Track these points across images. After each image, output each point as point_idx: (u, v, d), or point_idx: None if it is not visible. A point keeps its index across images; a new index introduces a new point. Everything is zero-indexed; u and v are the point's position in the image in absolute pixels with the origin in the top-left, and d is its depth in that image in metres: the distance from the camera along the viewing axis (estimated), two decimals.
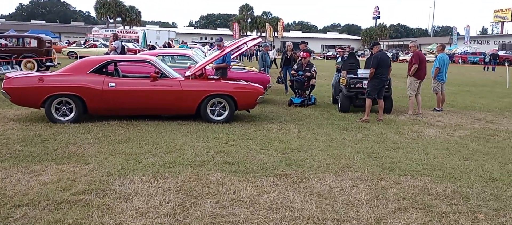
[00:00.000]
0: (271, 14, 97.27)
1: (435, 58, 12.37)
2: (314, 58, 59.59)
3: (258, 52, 29.99)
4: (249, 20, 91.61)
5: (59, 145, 6.57)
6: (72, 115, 8.30)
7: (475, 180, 5.33)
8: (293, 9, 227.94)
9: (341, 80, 11.30)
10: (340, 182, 5.12)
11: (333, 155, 6.41)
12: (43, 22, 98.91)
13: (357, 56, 12.46)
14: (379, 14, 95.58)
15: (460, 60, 52.72)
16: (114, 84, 8.32)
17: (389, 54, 39.93)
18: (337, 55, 13.80)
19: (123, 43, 14.02)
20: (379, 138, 7.80)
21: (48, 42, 21.07)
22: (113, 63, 9.18)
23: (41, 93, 8.16)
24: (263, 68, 13.68)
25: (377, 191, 4.83)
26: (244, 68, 12.93)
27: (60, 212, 4.06)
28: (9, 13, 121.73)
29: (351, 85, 10.58)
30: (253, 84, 9.18)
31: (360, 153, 6.60)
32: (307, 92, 11.51)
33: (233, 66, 12.81)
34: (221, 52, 9.32)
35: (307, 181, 5.14)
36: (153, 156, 6.06)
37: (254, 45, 13.91)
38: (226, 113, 8.73)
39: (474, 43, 71.11)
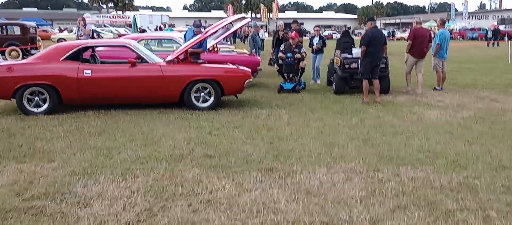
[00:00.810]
0: None
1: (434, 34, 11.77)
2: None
3: None
4: (243, 1, 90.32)
5: (26, 140, 5.98)
6: (46, 105, 7.72)
7: (483, 168, 4.76)
8: None
9: (335, 60, 10.68)
10: (332, 176, 4.55)
11: (326, 143, 5.84)
12: (35, 9, 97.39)
13: (353, 35, 11.82)
14: None
15: (458, 37, 51.93)
16: (90, 71, 7.71)
17: (385, 32, 39.17)
18: (313, 35, 12.45)
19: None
20: (376, 122, 7.22)
21: (33, 29, 20.33)
22: (89, 49, 8.53)
23: (11, 83, 7.55)
24: (254, 50, 13.02)
25: (373, 186, 4.27)
26: (233, 51, 12.28)
27: (6, 223, 3.50)
28: (2, 2, 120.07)
29: (346, 66, 9.97)
30: (240, 67, 8.56)
31: (355, 140, 6.03)
32: (298, 76, 10.57)
33: (222, 49, 12.18)
34: (204, 34, 8.67)
35: (295, 175, 4.57)
36: (127, 150, 5.49)
37: (244, 26, 13.20)
38: (212, 99, 8.14)
39: (472, 18, 70.13)
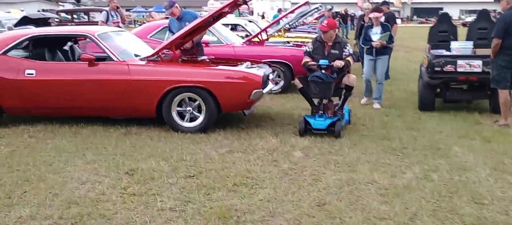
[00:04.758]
0: None
1: None
2: None
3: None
4: None
5: None
6: None
7: None
8: None
9: (424, 60, 7.11)
10: None
11: None
12: None
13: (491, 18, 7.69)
14: None
15: None
16: (33, 71, 5.55)
17: None
18: (368, 24, 7.29)
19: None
20: (452, 181, 3.81)
21: None
22: (39, 40, 6.21)
23: None
24: None
25: None
26: (288, 42, 9.26)
27: None
28: None
29: (436, 68, 6.38)
30: (252, 71, 5.63)
31: None
32: (340, 102, 5.66)
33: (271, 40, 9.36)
34: (202, 20, 5.88)
35: None
36: None
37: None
38: (201, 116, 5.43)
39: None
